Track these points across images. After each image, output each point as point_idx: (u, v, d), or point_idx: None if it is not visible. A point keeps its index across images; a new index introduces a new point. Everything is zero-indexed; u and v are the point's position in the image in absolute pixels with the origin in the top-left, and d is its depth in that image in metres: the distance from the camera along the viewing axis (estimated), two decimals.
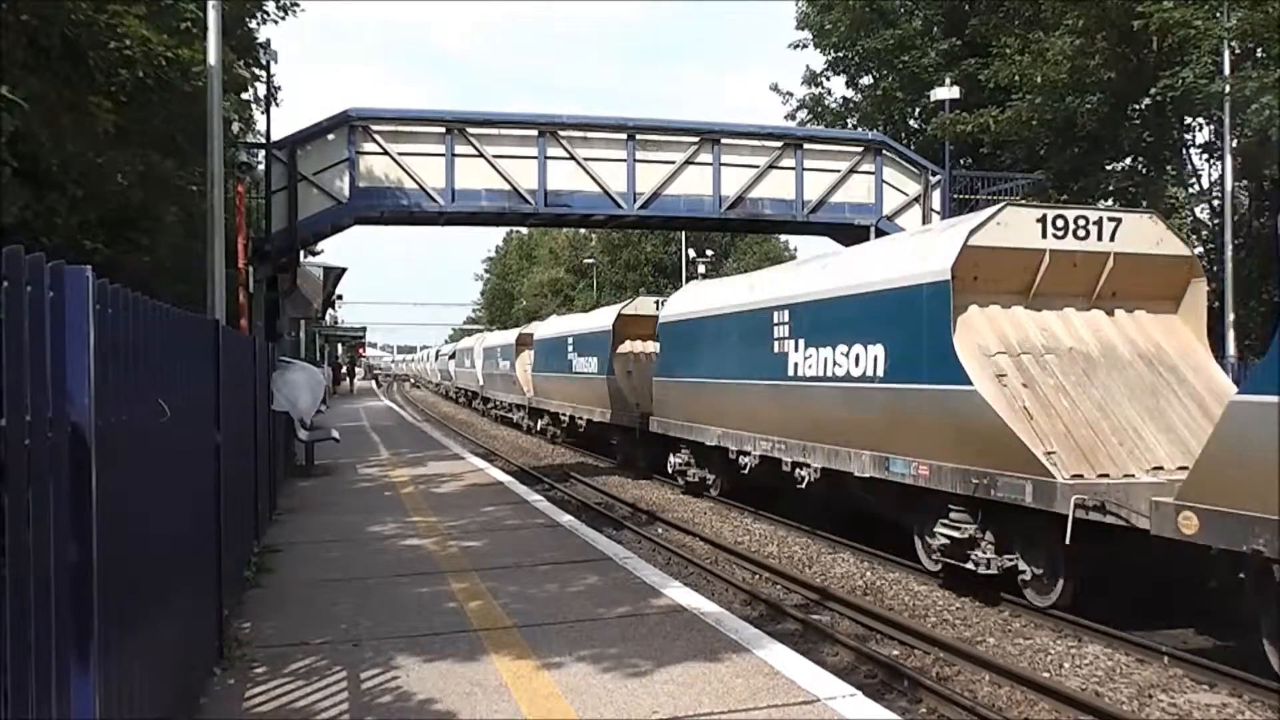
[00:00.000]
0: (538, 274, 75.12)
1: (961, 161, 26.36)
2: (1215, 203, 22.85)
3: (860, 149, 19.20)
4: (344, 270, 24.90)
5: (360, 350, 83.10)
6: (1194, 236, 22.95)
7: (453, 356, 56.58)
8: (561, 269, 69.76)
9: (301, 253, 18.75)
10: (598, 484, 18.24)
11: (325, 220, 16.86)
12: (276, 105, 18.21)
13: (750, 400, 13.32)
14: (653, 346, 18.86)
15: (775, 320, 12.43)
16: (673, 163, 17.98)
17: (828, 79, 32.15)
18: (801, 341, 11.76)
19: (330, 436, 15.43)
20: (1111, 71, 21.87)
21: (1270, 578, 6.37)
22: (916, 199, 19.16)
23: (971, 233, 9.01)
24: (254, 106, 18.73)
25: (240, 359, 7.41)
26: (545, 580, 7.47)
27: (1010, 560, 8.65)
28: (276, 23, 16.57)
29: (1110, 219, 9.43)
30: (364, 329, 80.00)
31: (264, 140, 17.58)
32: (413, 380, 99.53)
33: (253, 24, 16.06)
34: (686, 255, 48.87)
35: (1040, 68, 22.12)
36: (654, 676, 5.13)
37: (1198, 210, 24.15)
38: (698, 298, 16.20)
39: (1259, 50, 19.83)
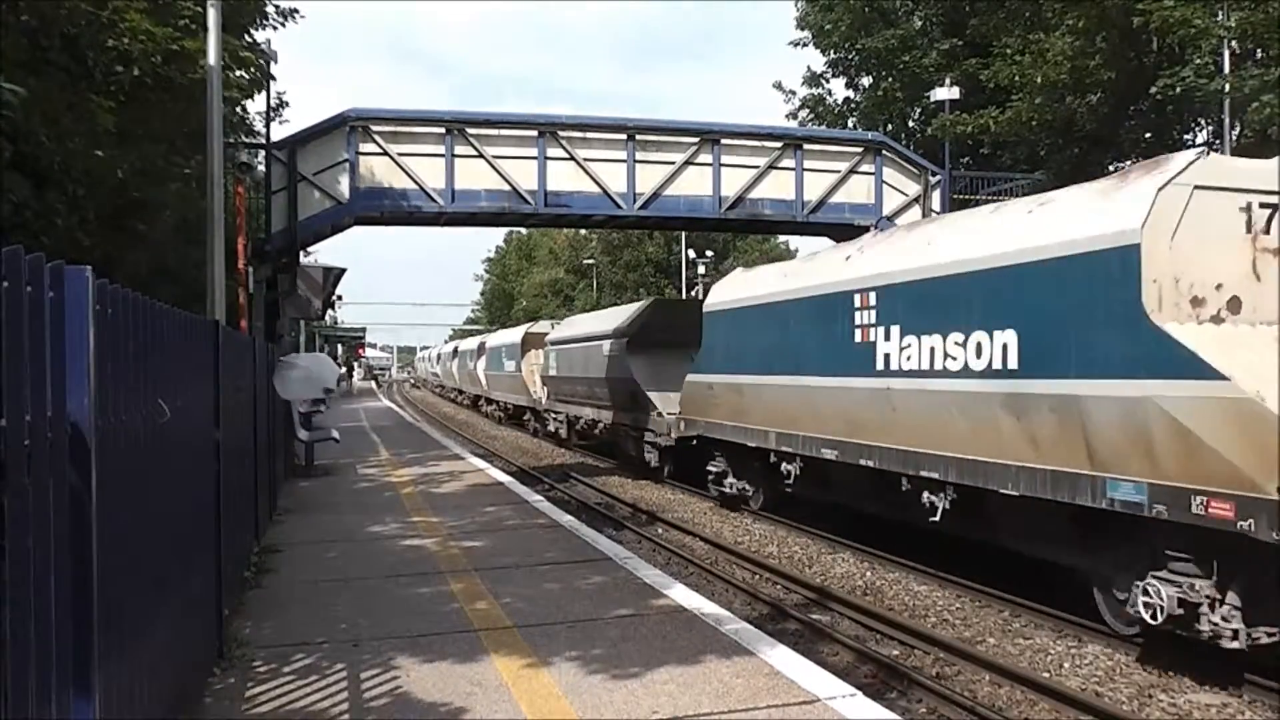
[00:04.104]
0: (538, 274, 75.20)
1: (962, 161, 26.34)
2: None
3: (860, 149, 19.19)
4: (344, 271, 24.85)
5: (360, 350, 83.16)
6: None
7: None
8: (561, 269, 69.84)
9: (301, 253, 18.73)
10: (597, 484, 18.24)
11: (325, 220, 16.85)
12: (280, 121, 18.15)
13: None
14: None
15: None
16: (672, 163, 17.95)
17: (827, 79, 32.17)
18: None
19: (330, 436, 15.46)
20: (1112, 71, 21.86)
21: None
22: (916, 199, 19.15)
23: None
24: (248, 101, 18.65)
25: (240, 359, 7.41)
26: (545, 580, 7.47)
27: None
28: (276, 28, 16.54)
29: None
30: (364, 329, 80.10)
31: (264, 140, 17.58)
32: (413, 382, 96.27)
33: (255, 31, 16.03)
34: (686, 256, 48.84)
35: (1040, 68, 22.11)
36: (654, 676, 5.13)
37: None
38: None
39: (1259, 50, 19.82)
